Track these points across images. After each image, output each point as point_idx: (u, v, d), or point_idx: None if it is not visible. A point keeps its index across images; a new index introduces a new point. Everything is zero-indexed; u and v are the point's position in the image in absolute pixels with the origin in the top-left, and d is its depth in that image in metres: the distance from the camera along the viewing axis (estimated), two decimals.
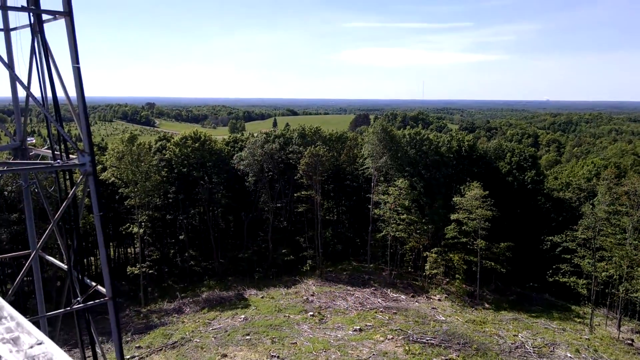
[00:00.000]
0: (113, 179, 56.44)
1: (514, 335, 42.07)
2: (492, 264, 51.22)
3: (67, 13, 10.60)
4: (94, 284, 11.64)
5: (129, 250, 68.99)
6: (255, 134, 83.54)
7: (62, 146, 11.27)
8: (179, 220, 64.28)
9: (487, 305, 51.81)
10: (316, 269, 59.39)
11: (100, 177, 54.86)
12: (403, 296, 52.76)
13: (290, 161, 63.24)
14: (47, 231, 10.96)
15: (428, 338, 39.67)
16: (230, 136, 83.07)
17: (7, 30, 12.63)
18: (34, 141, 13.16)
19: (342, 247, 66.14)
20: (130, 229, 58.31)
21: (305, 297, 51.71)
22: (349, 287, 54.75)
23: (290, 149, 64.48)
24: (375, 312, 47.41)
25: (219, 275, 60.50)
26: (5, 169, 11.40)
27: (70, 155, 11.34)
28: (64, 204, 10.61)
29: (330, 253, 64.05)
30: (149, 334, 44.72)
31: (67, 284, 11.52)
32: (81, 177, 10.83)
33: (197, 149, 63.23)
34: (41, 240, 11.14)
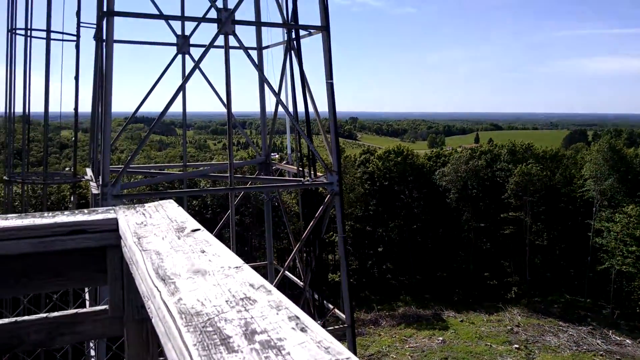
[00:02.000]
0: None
1: None
2: None
3: (325, 27, 10.85)
4: (331, 306, 11.74)
5: (329, 257, 72.15)
6: (458, 149, 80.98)
7: (310, 164, 11.61)
8: (377, 233, 65.13)
9: None
10: (522, 298, 54.69)
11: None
12: (629, 340, 45.47)
13: (497, 179, 59.56)
14: (295, 248, 11.36)
15: None
16: (432, 151, 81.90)
17: (259, 49, 13.62)
18: (277, 156, 13.99)
19: (552, 276, 59.91)
20: (333, 237, 60.83)
21: (509, 327, 47.86)
22: (560, 322, 49.18)
23: (497, 166, 60.81)
24: (594, 355, 41.70)
25: (415, 291, 59.56)
26: (259, 185, 12.21)
27: (317, 174, 11.64)
28: (311, 223, 10.88)
29: (538, 282, 58.50)
30: (346, 342, 45.76)
31: (301, 302, 11.82)
32: (328, 196, 11.00)
33: (399, 163, 63.45)
34: (289, 258, 11.61)
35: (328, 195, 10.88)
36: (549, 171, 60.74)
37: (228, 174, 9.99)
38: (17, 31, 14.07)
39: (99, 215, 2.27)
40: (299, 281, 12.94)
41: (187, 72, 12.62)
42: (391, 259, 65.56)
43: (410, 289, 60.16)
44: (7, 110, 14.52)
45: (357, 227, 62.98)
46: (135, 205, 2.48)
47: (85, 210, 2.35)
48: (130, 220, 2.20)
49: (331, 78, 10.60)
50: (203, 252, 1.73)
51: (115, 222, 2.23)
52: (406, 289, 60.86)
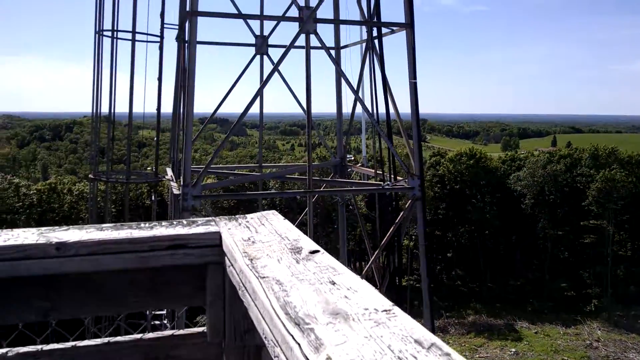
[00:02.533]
0: None
1: None
2: None
3: (409, 25, 10.37)
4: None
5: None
6: (535, 153, 77.63)
7: (390, 167, 11.17)
8: (447, 237, 63.32)
9: None
10: (603, 311, 51.39)
11: None
12: None
13: (578, 185, 56.36)
14: (375, 253, 11.01)
15: None
16: (506, 154, 78.85)
17: (337, 48, 13.31)
18: (352, 158, 13.68)
19: (636, 289, 55.96)
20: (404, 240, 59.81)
21: (588, 342, 45.11)
22: None
23: (578, 171, 57.56)
24: None
25: (486, 299, 57.43)
26: (337, 188, 11.92)
27: (397, 177, 11.20)
28: (392, 228, 10.50)
29: (621, 295, 54.81)
30: None
31: None
32: (409, 202, 10.55)
33: (471, 166, 61.45)
34: (368, 264, 11.28)
35: (409, 201, 10.40)
36: (634, 177, 56.78)
37: (306, 177, 9.77)
38: (104, 33, 14.59)
39: (200, 227, 2.02)
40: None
41: (265, 73, 12.58)
42: (461, 264, 63.57)
43: (481, 297, 58.04)
44: (94, 110, 15.10)
45: (425, 231, 61.58)
46: (237, 217, 2.22)
47: (184, 221, 2.11)
48: (235, 235, 1.93)
49: (414, 77, 10.09)
50: (333, 283, 1.41)
51: (217, 236, 1.98)
52: (476, 296, 58.79)
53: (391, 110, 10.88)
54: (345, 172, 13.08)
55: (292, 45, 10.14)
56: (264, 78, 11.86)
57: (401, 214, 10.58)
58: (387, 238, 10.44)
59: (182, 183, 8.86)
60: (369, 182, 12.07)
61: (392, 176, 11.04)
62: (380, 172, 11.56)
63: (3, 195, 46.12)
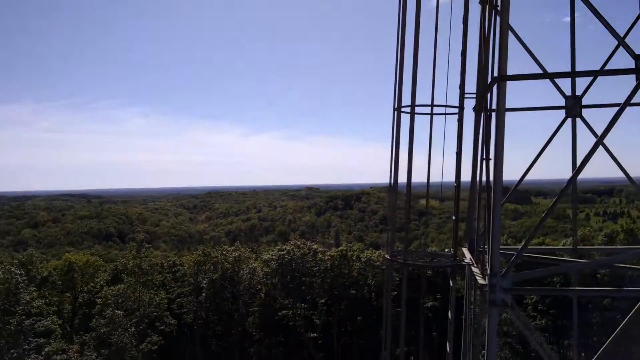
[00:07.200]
0: None
1: None
2: None
3: None
4: None
5: None
6: None
7: None
8: None
9: None
10: None
11: None
12: None
13: None
14: None
15: None
16: None
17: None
18: None
19: None
20: None
21: None
22: None
23: None
24: None
25: None
26: None
27: None
28: None
29: None
30: None
31: None
32: None
33: None
34: None
35: None
36: None
37: None
38: (403, 109, 14.85)
39: None
40: None
41: (578, 137, 10.84)
42: None
43: None
44: (391, 183, 15.14)
45: None
46: None
47: None
48: None
49: None
50: None
51: None
52: None
53: None
54: None
55: (628, 102, 8.06)
56: (575, 142, 10.16)
57: None
58: None
59: (488, 271, 7.57)
60: None
61: None
62: None
63: (304, 260, 51.70)
